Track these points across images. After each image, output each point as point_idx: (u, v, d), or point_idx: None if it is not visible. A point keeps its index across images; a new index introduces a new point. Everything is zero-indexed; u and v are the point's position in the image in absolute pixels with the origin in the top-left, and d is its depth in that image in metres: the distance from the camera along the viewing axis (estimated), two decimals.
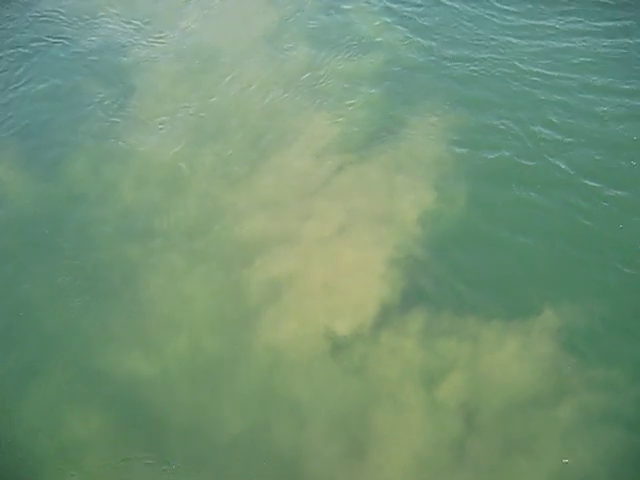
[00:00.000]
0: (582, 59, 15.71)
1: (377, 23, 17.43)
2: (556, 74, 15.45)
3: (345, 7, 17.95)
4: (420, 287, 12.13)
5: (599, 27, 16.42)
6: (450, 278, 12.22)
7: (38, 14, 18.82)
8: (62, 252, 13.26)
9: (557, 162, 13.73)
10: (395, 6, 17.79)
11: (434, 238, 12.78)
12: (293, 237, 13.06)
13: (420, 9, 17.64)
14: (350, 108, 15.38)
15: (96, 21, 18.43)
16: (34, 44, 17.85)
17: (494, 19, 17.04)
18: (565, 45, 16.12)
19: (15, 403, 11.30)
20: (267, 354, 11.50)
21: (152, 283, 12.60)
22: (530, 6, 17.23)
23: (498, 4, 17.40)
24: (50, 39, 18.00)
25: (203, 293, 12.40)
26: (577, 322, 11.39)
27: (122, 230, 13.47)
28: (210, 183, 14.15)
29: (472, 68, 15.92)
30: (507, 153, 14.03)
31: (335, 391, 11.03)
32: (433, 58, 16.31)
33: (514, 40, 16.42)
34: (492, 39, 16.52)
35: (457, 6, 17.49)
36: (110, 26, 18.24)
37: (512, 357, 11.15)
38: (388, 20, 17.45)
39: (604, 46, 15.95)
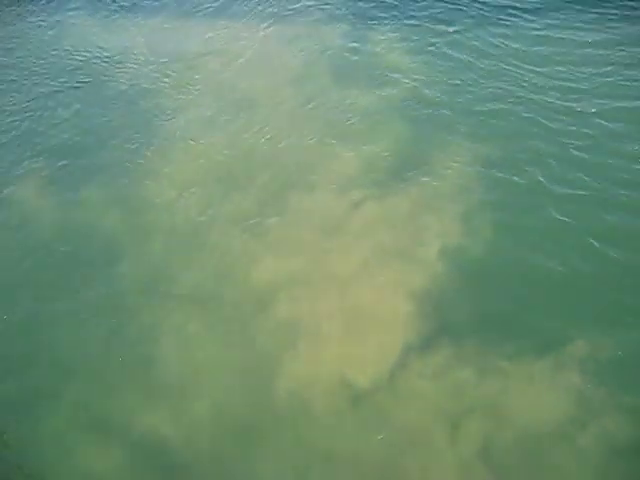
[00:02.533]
0: (610, 94, 15.62)
1: (400, 61, 17.56)
2: (586, 110, 15.30)
3: (367, 47, 18.18)
4: (443, 326, 11.80)
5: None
6: (474, 315, 11.91)
7: (70, 49, 19.56)
8: (80, 284, 13.26)
9: (582, 194, 13.56)
10: (418, 45, 17.97)
11: (459, 274, 12.51)
12: (312, 279, 12.81)
13: (442, 48, 17.79)
14: (374, 143, 15.36)
15: (126, 62, 18.93)
16: (65, 83, 18.42)
17: (518, 56, 17.08)
18: (595, 81, 16.02)
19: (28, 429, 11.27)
20: (286, 405, 11.14)
21: (168, 333, 12.29)
22: (557, 46, 17.28)
23: (519, 43, 17.49)
24: (81, 78, 18.60)
25: (219, 343, 12.10)
26: (607, 354, 11.08)
27: (137, 273, 13.30)
28: (229, 230, 13.94)
29: (496, 103, 15.86)
30: (532, 187, 13.87)
31: (361, 442, 10.67)
32: (457, 94, 16.30)
33: (539, 77, 16.38)
34: (516, 75, 16.49)
35: (479, 45, 17.60)
36: (139, 68, 18.66)
37: (539, 394, 10.83)
38: (411, 58, 17.60)
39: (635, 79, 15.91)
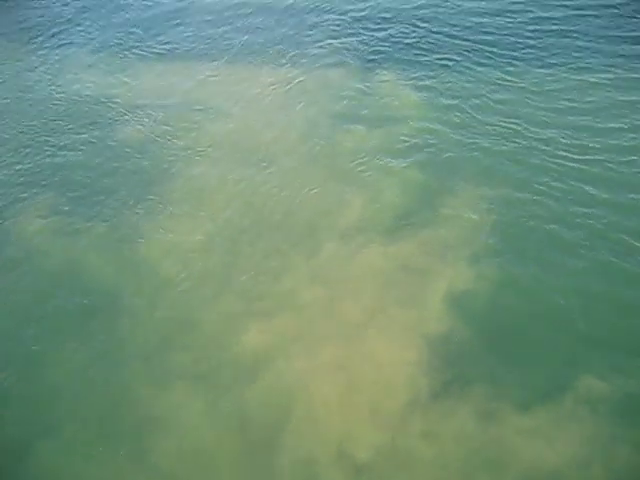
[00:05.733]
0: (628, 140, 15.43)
1: (407, 100, 17.62)
2: (588, 145, 15.27)
3: (374, 94, 18.14)
4: (448, 376, 11.54)
5: None
6: (481, 362, 11.70)
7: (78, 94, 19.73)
8: (79, 339, 13.04)
9: (588, 233, 13.42)
10: (425, 83, 18.05)
11: (465, 320, 12.26)
12: (313, 337, 12.46)
13: (448, 85, 17.87)
14: (381, 188, 15.24)
15: (133, 110, 18.94)
16: (72, 130, 18.51)
17: (522, 96, 17.10)
18: (598, 122, 15.95)
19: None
20: None
21: (167, 408, 11.82)
22: (560, 85, 17.25)
23: (524, 83, 17.53)
24: (88, 124, 18.65)
25: (220, 419, 11.62)
26: (615, 397, 10.89)
27: (136, 335, 12.99)
28: (231, 293, 13.53)
29: (504, 149, 15.71)
30: (542, 229, 13.73)
31: None
32: (463, 135, 16.27)
33: (543, 116, 16.36)
34: (522, 115, 16.48)
35: (487, 93, 17.51)
36: (146, 114, 18.69)
37: (547, 440, 10.57)
38: (418, 97, 17.65)
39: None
